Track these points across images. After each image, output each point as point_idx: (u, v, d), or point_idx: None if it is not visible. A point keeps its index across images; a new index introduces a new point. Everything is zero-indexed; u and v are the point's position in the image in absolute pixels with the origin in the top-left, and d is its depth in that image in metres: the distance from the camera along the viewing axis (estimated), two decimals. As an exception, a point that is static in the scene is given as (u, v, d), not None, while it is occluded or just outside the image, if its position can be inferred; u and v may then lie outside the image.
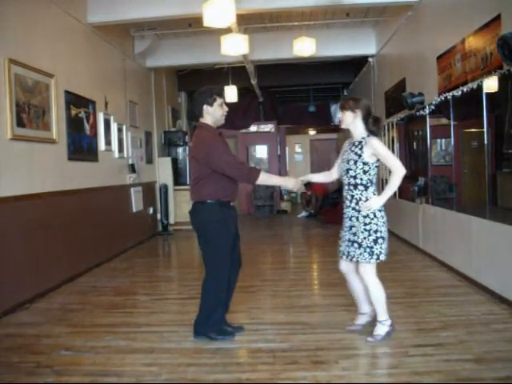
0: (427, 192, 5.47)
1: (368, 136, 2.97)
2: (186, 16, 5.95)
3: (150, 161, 8.09)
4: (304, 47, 6.25)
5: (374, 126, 2.99)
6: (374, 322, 3.04)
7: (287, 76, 9.69)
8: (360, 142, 2.97)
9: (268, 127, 11.96)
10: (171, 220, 8.32)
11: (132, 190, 6.95)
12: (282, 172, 12.70)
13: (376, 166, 3.00)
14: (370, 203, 2.92)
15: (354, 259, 2.95)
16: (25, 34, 4.29)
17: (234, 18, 4.57)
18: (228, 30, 5.71)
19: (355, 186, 2.96)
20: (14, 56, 4.02)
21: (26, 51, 4.27)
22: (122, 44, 6.93)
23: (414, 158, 6.19)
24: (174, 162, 8.73)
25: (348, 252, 2.99)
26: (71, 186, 5.02)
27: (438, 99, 4.81)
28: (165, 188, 8.27)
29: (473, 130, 4.52)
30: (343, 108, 3.01)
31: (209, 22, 4.45)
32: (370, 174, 2.97)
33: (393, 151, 6.91)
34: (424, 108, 5.28)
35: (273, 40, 7.71)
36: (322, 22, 7.26)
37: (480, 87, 3.83)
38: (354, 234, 2.95)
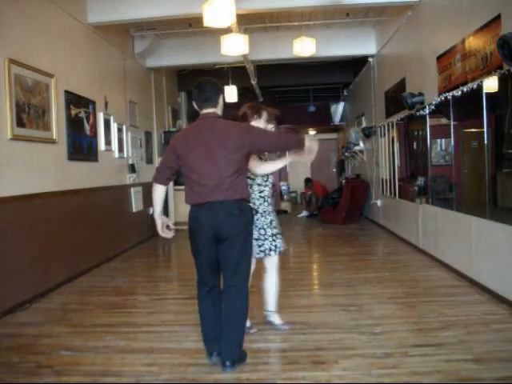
0: (427, 192, 5.47)
1: None
2: (185, 16, 5.95)
3: (150, 161, 8.08)
4: (304, 47, 6.25)
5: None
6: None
7: (287, 76, 9.69)
8: None
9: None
10: (171, 220, 8.30)
11: (132, 189, 6.95)
12: (282, 172, 12.72)
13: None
14: None
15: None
16: (25, 34, 4.29)
17: (234, 18, 4.57)
18: (228, 30, 5.71)
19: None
20: (14, 56, 4.02)
21: (26, 51, 4.27)
22: (122, 44, 6.93)
23: (413, 157, 6.18)
24: (174, 161, 8.71)
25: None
26: (71, 185, 5.02)
27: (438, 99, 4.81)
28: (165, 188, 8.25)
29: (473, 130, 4.52)
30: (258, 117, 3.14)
31: (209, 22, 4.45)
32: None
33: (393, 151, 6.92)
34: (424, 108, 5.27)
35: (273, 40, 7.71)
36: (321, 22, 7.26)
37: (480, 87, 3.83)
38: None
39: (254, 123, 3.10)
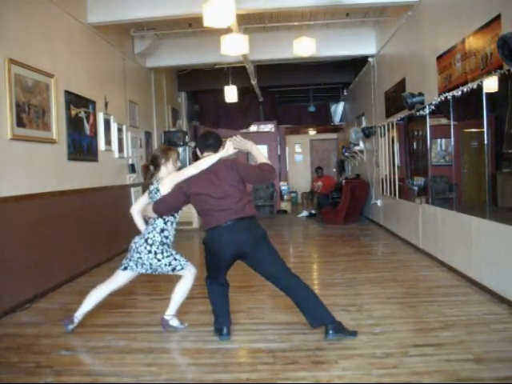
0: (427, 192, 5.47)
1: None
2: (186, 16, 5.96)
3: (150, 161, 8.07)
4: (304, 47, 6.24)
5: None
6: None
7: (287, 76, 9.69)
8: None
9: (268, 127, 11.96)
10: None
11: (132, 189, 6.95)
12: (282, 172, 12.72)
13: None
14: None
15: None
16: (25, 34, 4.29)
17: (233, 18, 4.57)
18: (228, 30, 5.70)
19: None
20: (14, 56, 4.02)
21: (26, 51, 4.27)
22: (122, 44, 6.93)
23: (413, 157, 6.18)
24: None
25: None
26: (71, 185, 5.02)
27: (438, 99, 4.81)
28: (165, 188, 8.25)
29: (473, 130, 4.52)
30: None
31: (209, 22, 4.44)
32: None
33: (393, 151, 6.92)
34: (424, 108, 5.27)
35: (273, 40, 7.72)
36: (322, 22, 7.27)
37: (480, 87, 3.83)
38: None
39: (163, 167, 3.32)
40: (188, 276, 3.29)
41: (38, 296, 4.20)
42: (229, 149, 3.14)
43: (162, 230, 3.23)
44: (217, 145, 3.19)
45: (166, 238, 3.25)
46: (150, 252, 3.19)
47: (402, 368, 2.57)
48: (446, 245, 4.83)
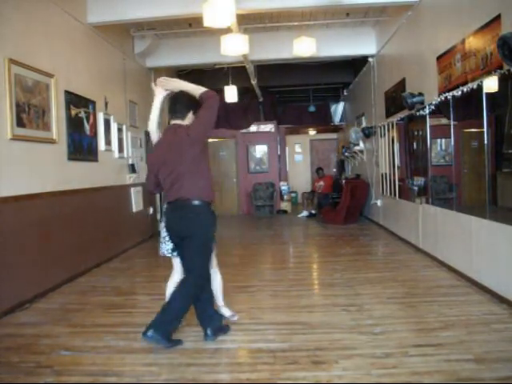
0: (427, 192, 5.47)
1: None
2: (186, 16, 5.95)
3: (149, 161, 8.07)
4: (304, 47, 6.25)
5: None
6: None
7: (287, 76, 9.70)
8: None
9: (268, 127, 11.96)
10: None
11: (132, 189, 6.95)
12: (282, 172, 12.72)
13: None
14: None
15: None
16: (25, 34, 4.29)
17: (234, 18, 4.57)
18: (228, 30, 5.70)
19: None
20: (14, 56, 4.02)
21: (26, 51, 4.27)
22: (122, 44, 6.93)
23: (414, 157, 6.18)
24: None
25: None
26: (71, 186, 5.02)
27: (438, 99, 4.81)
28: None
29: (473, 130, 4.52)
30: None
31: (209, 22, 4.44)
32: None
33: (393, 151, 6.92)
34: (424, 108, 5.27)
35: (273, 40, 7.72)
36: (322, 22, 7.27)
37: (480, 87, 3.83)
38: None
39: None
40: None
41: (38, 296, 4.20)
42: (159, 94, 3.08)
43: None
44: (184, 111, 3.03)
45: None
46: None
47: (402, 368, 2.57)
48: (446, 245, 4.83)
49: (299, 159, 14.87)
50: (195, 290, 2.97)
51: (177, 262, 3.25)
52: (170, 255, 3.25)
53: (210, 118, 2.93)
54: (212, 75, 9.20)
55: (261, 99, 11.30)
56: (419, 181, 5.80)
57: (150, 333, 2.83)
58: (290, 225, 9.61)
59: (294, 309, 3.72)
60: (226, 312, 3.42)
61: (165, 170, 2.95)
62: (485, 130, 3.85)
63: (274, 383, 2.50)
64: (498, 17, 3.60)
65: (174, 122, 3.06)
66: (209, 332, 3.06)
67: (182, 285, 2.99)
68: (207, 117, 2.92)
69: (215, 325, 3.11)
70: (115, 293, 4.41)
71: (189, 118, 3.04)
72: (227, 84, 8.64)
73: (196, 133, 2.90)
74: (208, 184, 2.98)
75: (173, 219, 3.00)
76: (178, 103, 3.04)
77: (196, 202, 2.91)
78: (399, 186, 6.68)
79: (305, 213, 10.61)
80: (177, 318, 2.96)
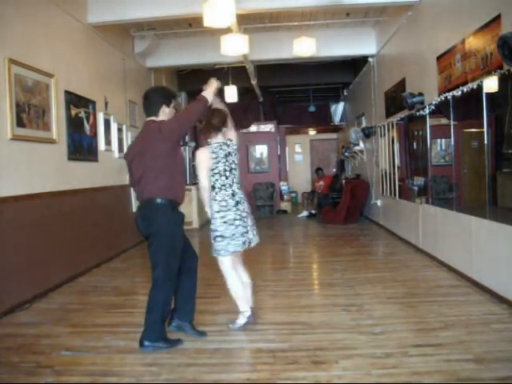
0: (427, 192, 5.47)
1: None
2: (186, 16, 5.96)
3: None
4: (304, 47, 6.24)
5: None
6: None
7: (287, 76, 9.69)
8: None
9: (268, 127, 11.96)
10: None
11: (132, 189, 6.94)
12: (282, 172, 12.72)
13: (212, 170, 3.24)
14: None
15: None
16: (25, 34, 4.29)
17: (234, 18, 4.56)
18: (228, 30, 5.70)
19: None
20: (14, 56, 4.02)
21: (26, 51, 4.27)
22: (122, 44, 6.93)
23: (413, 157, 6.18)
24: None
25: None
26: (71, 186, 5.02)
27: (438, 99, 4.81)
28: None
29: (473, 130, 4.52)
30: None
31: (209, 22, 4.44)
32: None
33: (393, 151, 6.92)
34: (424, 108, 5.27)
35: (273, 40, 7.72)
36: (322, 22, 7.27)
37: (480, 87, 3.83)
38: None
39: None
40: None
41: (38, 296, 4.19)
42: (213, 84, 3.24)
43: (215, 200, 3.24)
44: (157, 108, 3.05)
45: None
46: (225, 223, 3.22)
47: (402, 368, 2.57)
48: (446, 245, 4.83)
49: (299, 159, 14.86)
50: (165, 284, 2.94)
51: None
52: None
53: (188, 118, 3.03)
54: (212, 75, 9.15)
55: (261, 99, 11.29)
56: (419, 181, 5.80)
57: (145, 343, 2.90)
58: (290, 225, 9.61)
59: (293, 309, 3.72)
60: (241, 319, 3.30)
61: (135, 165, 2.97)
62: (485, 130, 3.85)
63: (273, 383, 2.50)
64: (498, 17, 3.60)
65: (148, 118, 3.08)
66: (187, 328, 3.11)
67: (152, 283, 2.98)
68: (184, 116, 3.05)
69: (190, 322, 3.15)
70: (115, 293, 4.41)
71: (164, 113, 3.04)
72: (227, 84, 8.64)
73: (168, 128, 2.90)
74: (173, 182, 2.96)
75: (139, 217, 3.05)
76: (147, 100, 3.08)
77: (157, 201, 2.91)
78: (399, 185, 6.68)
79: (305, 213, 10.60)
80: (162, 315, 2.95)
